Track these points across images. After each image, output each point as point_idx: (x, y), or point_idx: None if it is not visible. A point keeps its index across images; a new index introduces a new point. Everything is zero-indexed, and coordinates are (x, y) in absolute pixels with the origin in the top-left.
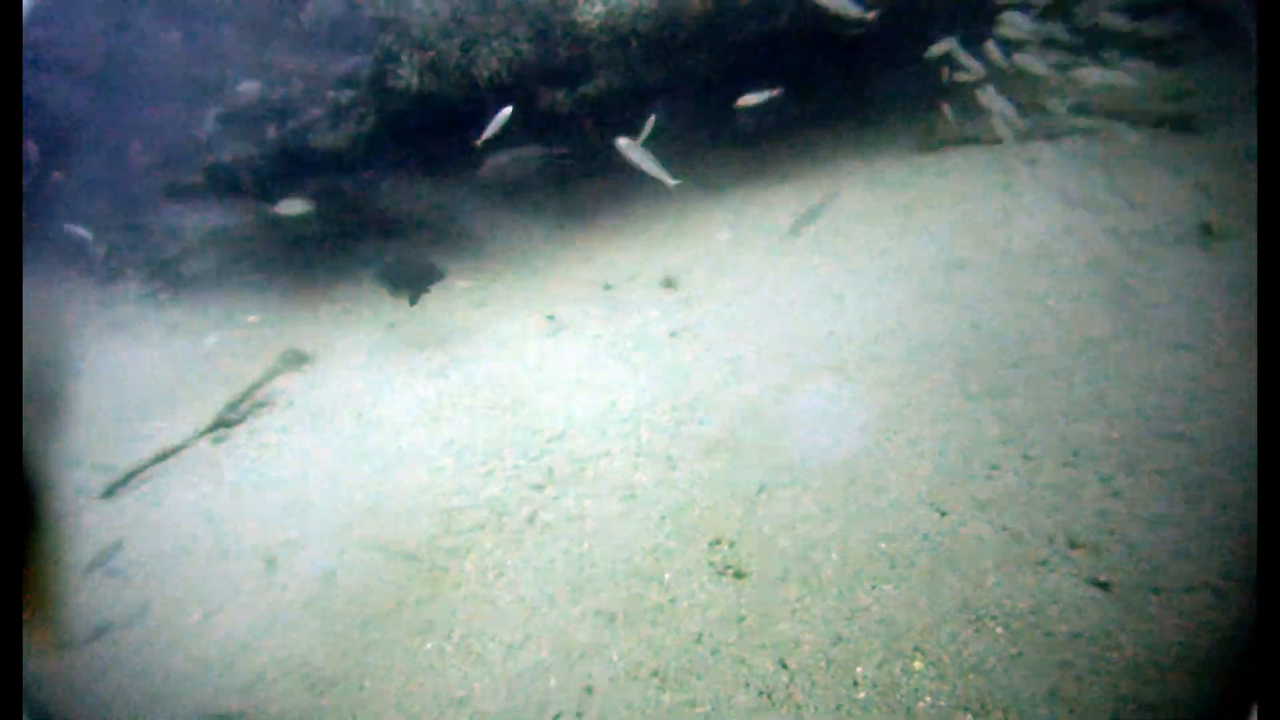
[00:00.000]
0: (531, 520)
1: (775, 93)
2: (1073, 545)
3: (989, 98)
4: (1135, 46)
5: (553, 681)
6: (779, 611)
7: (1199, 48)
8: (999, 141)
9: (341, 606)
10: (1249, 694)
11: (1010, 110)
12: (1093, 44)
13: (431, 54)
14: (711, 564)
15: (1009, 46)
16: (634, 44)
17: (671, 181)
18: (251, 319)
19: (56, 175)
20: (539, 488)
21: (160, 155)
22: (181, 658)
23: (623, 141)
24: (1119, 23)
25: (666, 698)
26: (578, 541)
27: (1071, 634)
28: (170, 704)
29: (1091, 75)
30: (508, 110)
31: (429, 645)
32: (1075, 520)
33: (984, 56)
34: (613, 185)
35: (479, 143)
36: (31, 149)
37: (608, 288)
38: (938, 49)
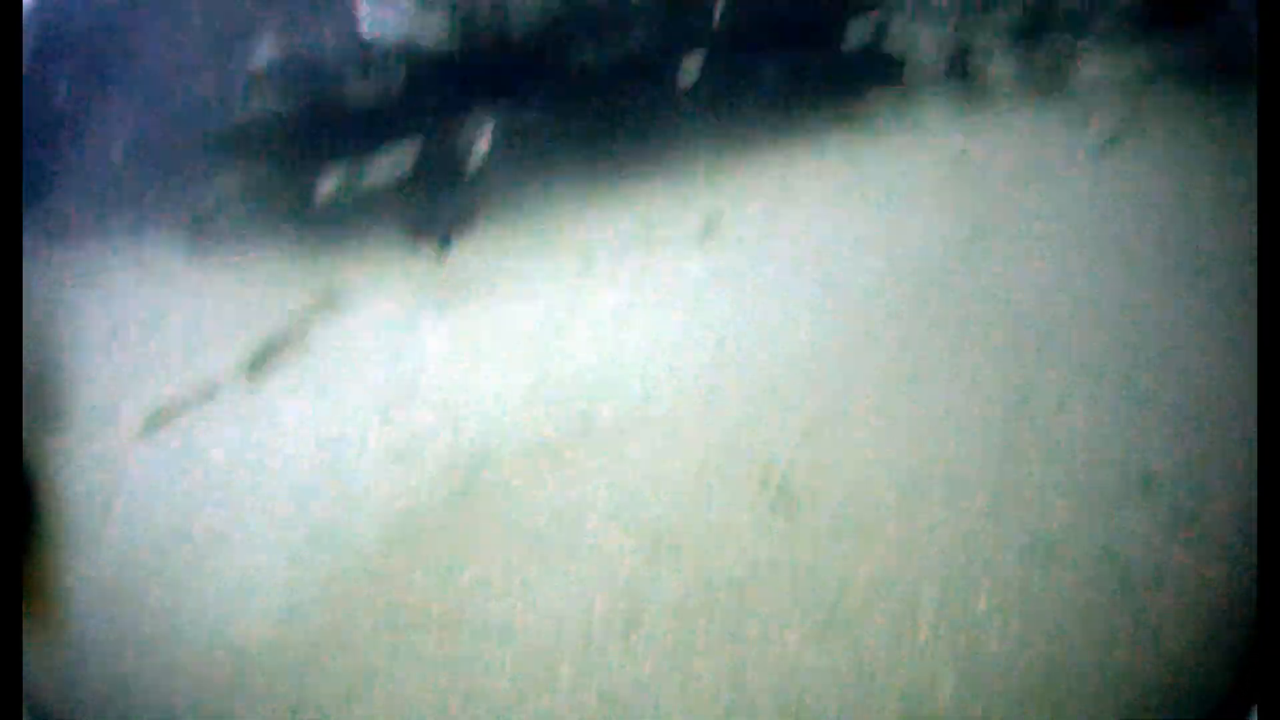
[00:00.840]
0: (571, 452)
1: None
2: (1147, 483)
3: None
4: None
5: (596, 611)
6: (833, 545)
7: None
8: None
9: (378, 534)
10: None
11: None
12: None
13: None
14: (761, 497)
15: None
16: None
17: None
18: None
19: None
20: (577, 421)
21: (194, 106)
22: (218, 585)
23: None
24: None
25: (716, 627)
26: (619, 474)
27: (1146, 568)
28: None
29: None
30: None
31: (469, 573)
32: (1148, 459)
33: None
34: (647, 130)
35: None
36: None
37: (643, 226)
38: None
